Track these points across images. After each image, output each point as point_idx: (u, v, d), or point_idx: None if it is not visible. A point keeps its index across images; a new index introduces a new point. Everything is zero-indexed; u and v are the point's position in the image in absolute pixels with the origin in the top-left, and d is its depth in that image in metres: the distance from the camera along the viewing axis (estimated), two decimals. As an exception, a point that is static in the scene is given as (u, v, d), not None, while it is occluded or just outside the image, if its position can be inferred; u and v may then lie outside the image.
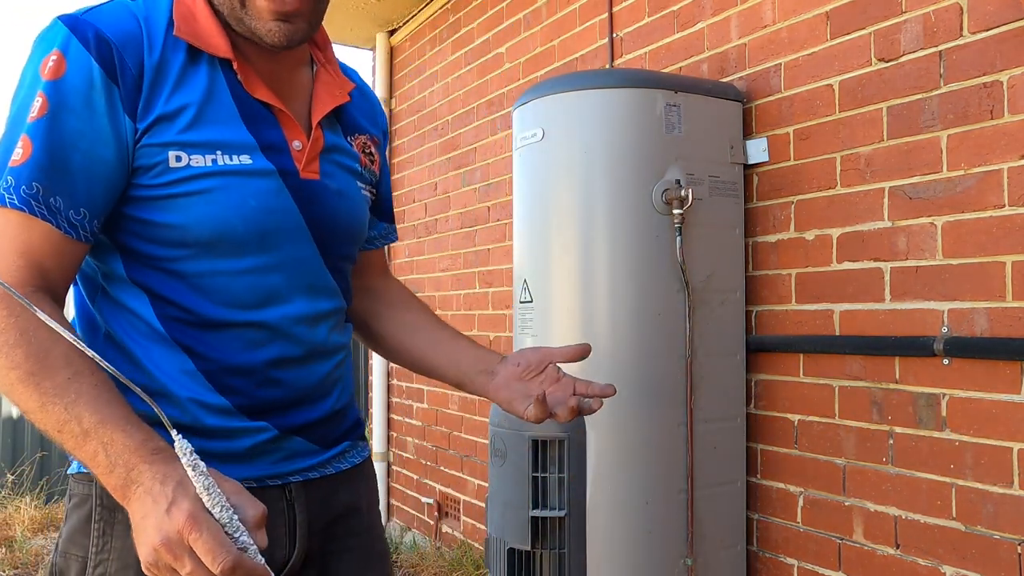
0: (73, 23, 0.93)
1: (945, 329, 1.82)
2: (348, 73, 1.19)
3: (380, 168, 1.23)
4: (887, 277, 1.94)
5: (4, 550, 4.25)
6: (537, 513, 2.02)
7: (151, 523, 0.76)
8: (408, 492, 4.37)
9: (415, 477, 4.29)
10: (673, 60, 2.58)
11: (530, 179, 2.26)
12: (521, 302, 2.26)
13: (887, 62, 1.95)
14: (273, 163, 1.00)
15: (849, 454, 2.03)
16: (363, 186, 1.15)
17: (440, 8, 4.11)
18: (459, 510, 3.83)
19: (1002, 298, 1.71)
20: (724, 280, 2.21)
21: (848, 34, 2.04)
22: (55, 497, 5.40)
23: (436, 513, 4.02)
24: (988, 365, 1.73)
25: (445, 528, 3.96)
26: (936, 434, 1.83)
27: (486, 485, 3.45)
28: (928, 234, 1.86)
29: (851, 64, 2.03)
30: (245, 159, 0.98)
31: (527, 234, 2.27)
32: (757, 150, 2.25)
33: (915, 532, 1.87)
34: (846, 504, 2.03)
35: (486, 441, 3.36)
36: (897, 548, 1.91)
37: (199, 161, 0.95)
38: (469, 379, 1.21)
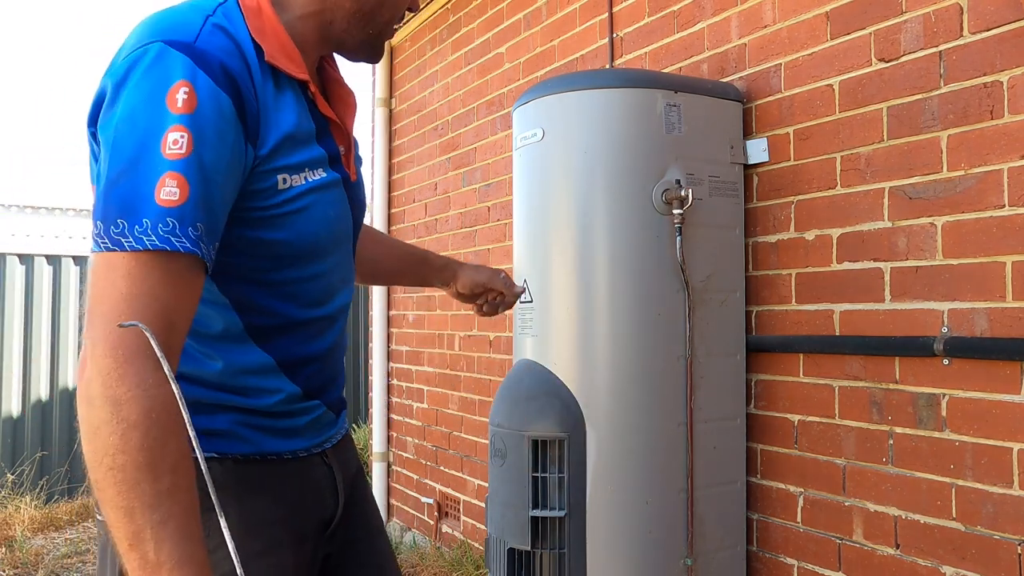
0: (191, 51, 0.89)
1: (945, 329, 1.82)
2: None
3: None
4: (887, 277, 1.94)
5: (4, 550, 4.25)
6: (537, 513, 2.02)
7: None
8: (408, 492, 4.37)
9: (415, 477, 4.29)
10: (673, 60, 2.58)
11: (530, 179, 2.26)
12: (521, 302, 2.26)
13: (887, 62, 1.95)
14: (337, 172, 1.07)
15: (849, 454, 2.03)
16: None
17: (440, 8, 4.11)
18: (459, 510, 3.83)
19: (1002, 298, 1.71)
20: (724, 280, 2.21)
21: (848, 34, 2.04)
22: (55, 497, 5.40)
23: (436, 513, 4.02)
24: (988, 365, 1.73)
25: (445, 528, 3.96)
26: (936, 434, 1.83)
27: (486, 485, 3.45)
28: (928, 234, 1.86)
29: (851, 64, 2.03)
30: (321, 173, 1.04)
31: (527, 234, 2.27)
32: (757, 150, 2.26)
33: (915, 532, 1.87)
34: (846, 504, 2.03)
35: (486, 441, 3.36)
36: (897, 548, 1.92)
37: (297, 181, 1.00)
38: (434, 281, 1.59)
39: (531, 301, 2.22)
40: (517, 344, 2.30)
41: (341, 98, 1.14)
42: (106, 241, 0.84)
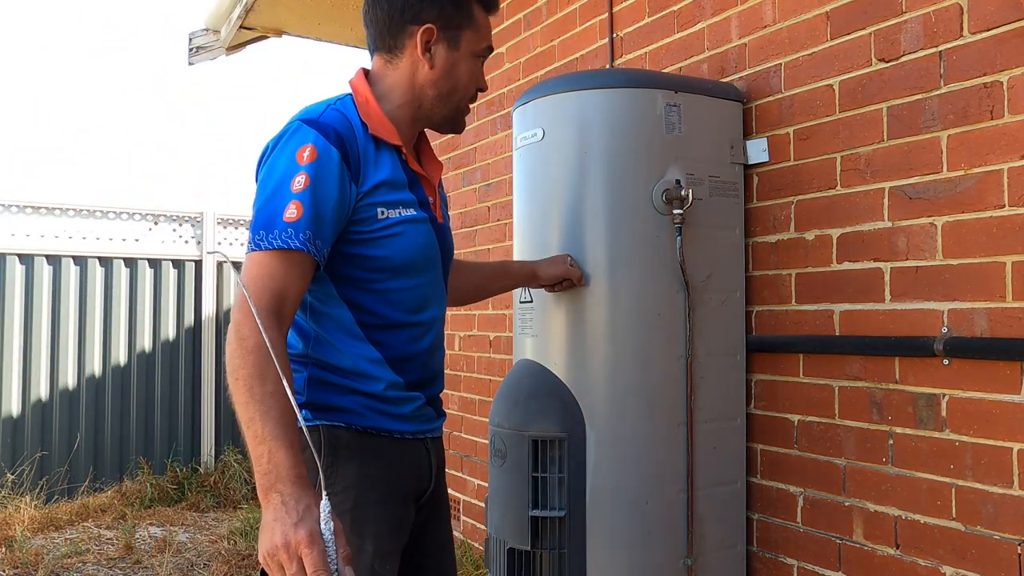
0: (316, 125, 1.35)
1: (945, 329, 1.82)
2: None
3: None
4: (887, 277, 1.94)
5: (4, 550, 4.25)
6: (537, 513, 2.02)
7: (279, 527, 1.09)
8: (408, 492, 4.36)
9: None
10: (673, 60, 2.58)
11: (530, 179, 2.26)
12: (521, 302, 2.26)
13: (887, 62, 1.95)
14: (425, 213, 1.48)
15: (849, 454, 2.03)
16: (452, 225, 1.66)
17: (440, 8, 4.10)
18: (459, 510, 3.83)
19: (1002, 298, 1.71)
20: (724, 280, 2.21)
21: (848, 34, 2.04)
22: (55, 497, 5.40)
23: (436, 513, 4.02)
24: (988, 365, 1.73)
25: (445, 528, 3.96)
26: (936, 434, 1.83)
27: (486, 485, 3.45)
28: (928, 234, 1.86)
29: (851, 64, 2.03)
30: (412, 211, 1.45)
31: (527, 234, 2.27)
32: (757, 150, 2.25)
33: (915, 532, 1.87)
34: (846, 504, 2.03)
35: (486, 441, 3.36)
36: (897, 548, 1.91)
37: (394, 214, 1.42)
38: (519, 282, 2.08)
39: (531, 301, 2.22)
40: (517, 344, 2.30)
41: (431, 162, 1.57)
42: (253, 245, 1.30)
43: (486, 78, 1.71)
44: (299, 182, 1.30)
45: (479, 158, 3.74)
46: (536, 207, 2.24)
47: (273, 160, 1.35)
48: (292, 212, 1.29)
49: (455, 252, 1.72)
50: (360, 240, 1.40)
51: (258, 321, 1.16)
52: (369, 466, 1.42)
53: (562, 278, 2.03)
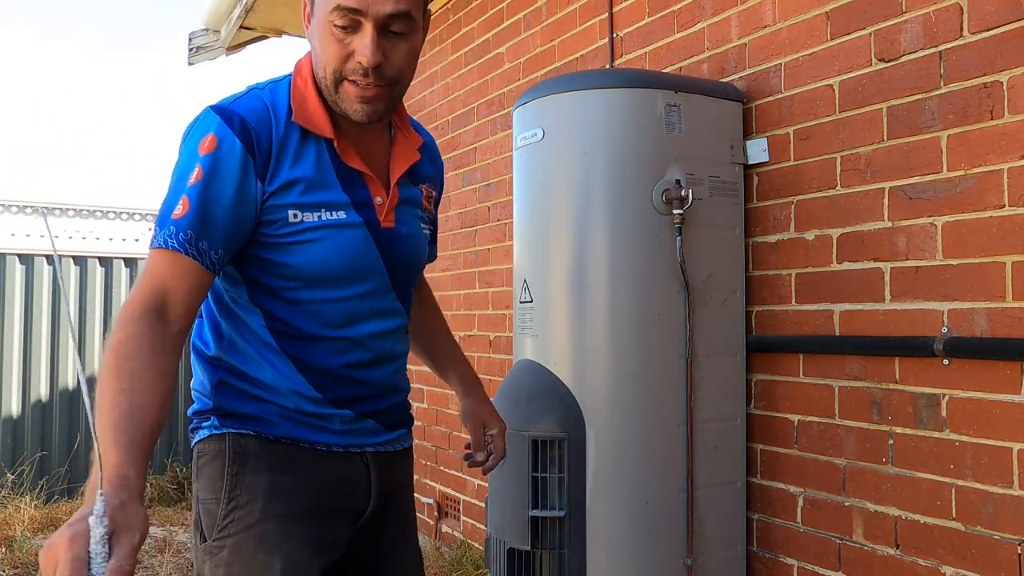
0: (222, 112, 1.21)
1: (945, 329, 1.82)
2: (418, 130, 1.46)
3: (437, 201, 1.51)
4: (887, 277, 1.94)
5: (4, 550, 4.25)
6: (537, 513, 2.02)
7: (60, 530, 0.92)
8: (408, 492, 4.37)
9: (415, 477, 4.29)
10: (673, 60, 2.58)
11: (530, 179, 2.26)
12: (521, 302, 2.26)
13: (887, 62, 1.95)
14: (361, 216, 1.29)
15: (849, 454, 2.03)
16: (424, 225, 1.42)
17: (440, 8, 4.11)
18: (459, 510, 3.83)
19: (1002, 298, 1.71)
20: (724, 280, 2.21)
21: (848, 34, 2.04)
22: (55, 497, 5.40)
23: (436, 513, 4.02)
24: (988, 365, 1.73)
25: (445, 528, 3.96)
26: (936, 434, 1.83)
27: (486, 485, 3.45)
28: (928, 234, 1.86)
29: (851, 64, 2.03)
30: (341, 214, 1.27)
31: (527, 234, 2.27)
32: (757, 150, 2.25)
33: (915, 532, 1.87)
34: (846, 504, 2.03)
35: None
36: (897, 548, 1.92)
37: (309, 217, 1.25)
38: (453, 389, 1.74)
39: (531, 301, 2.22)
40: (517, 344, 2.30)
41: (399, 156, 1.36)
42: (150, 242, 1.21)
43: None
44: (193, 175, 1.18)
45: (479, 158, 3.74)
46: (536, 207, 2.24)
47: (180, 150, 1.25)
48: (179, 209, 1.18)
49: (430, 260, 1.55)
50: (270, 244, 1.25)
51: (130, 318, 1.10)
52: (282, 477, 1.28)
53: (471, 427, 1.67)
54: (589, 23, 3.01)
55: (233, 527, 1.24)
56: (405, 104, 1.42)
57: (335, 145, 1.27)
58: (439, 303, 1.79)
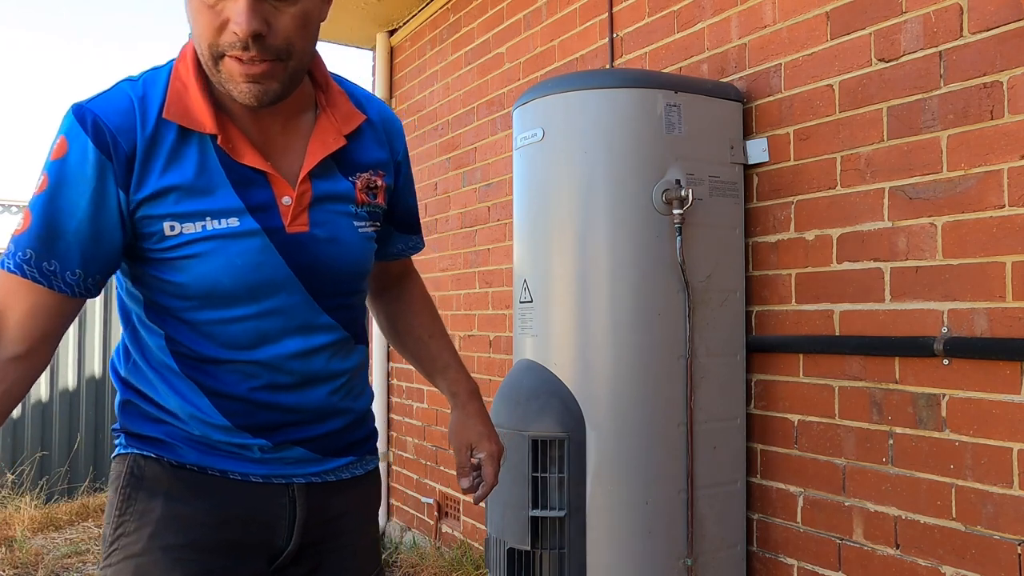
0: (77, 111, 1.05)
1: (945, 329, 1.82)
2: (361, 102, 1.24)
3: (399, 188, 1.31)
4: (887, 277, 1.94)
5: (4, 550, 4.25)
6: (537, 513, 2.02)
7: None
8: (408, 492, 4.37)
9: (415, 477, 4.29)
10: (673, 60, 2.58)
11: (530, 179, 2.26)
12: (521, 302, 2.26)
13: (887, 62, 1.95)
14: (260, 223, 1.10)
15: (849, 454, 2.03)
16: (361, 224, 1.21)
17: (440, 8, 4.11)
18: (459, 510, 3.83)
19: (1002, 298, 1.71)
20: (724, 280, 2.21)
21: (848, 34, 2.04)
22: (55, 497, 5.40)
23: (436, 513, 4.02)
24: (988, 365, 1.73)
25: (445, 528, 3.96)
26: (936, 434, 1.83)
27: (486, 485, 3.44)
28: (928, 234, 1.86)
29: (851, 64, 2.03)
30: (233, 222, 1.09)
31: (527, 234, 2.27)
32: (757, 150, 2.25)
33: (915, 532, 1.87)
34: (846, 504, 2.03)
35: (486, 441, 3.35)
36: (897, 548, 1.91)
37: (190, 228, 1.08)
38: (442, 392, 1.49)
39: (531, 301, 2.21)
40: (517, 344, 2.30)
41: (314, 141, 1.15)
42: None
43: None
44: (39, 185, 1.04)
45: (479, 158, 3.74)
46: (536, 207, 2.24)
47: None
48: (21, 224, 1.04)
49: (413, 251, 1.42)
50: (153, 260, 1.10)
51: None
52: (180, 506, 1.13)
53: (457, 448, 1.42)
54: (589, 23, 3.01)
55: (115, 555, 1.12)
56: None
57: (219, 141, 1.08)
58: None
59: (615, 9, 2.86)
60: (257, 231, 1.10)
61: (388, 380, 4.62)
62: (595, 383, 2.09)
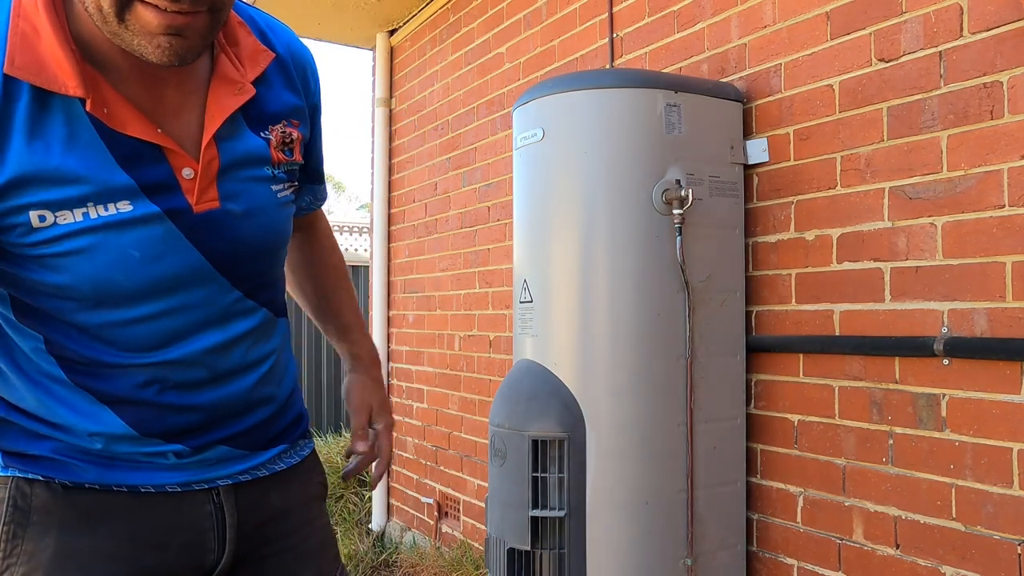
0: None
1: (945, 329, 1.82)
2: (266, 36, 1.02)
3: (313, 137, 1.11)
4: (887, 277, 1.94)
5: (4, 550, 4.25)
6: (537, 513, 2.02)
7: None
8: (408, 492, 4.37)
9: (415, 477, 4.29)
10: (673, 60, 2.58)
11: (530, 179, 2.26)
12: (521, 302, 2.26)
13: (887, 62, 1.95)
14: (159, 205, 0.89)
15: (849, 454, 2.03)
16: (279, 187, 1.02)
17: (440, 8, 4.11)
18: (459, 510, 3.84)
19: (1002, 298, 1.71)
20: (724, 280, 2.21)
21: (848, 34, 2.04)
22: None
23: (436, 513, 4.02)
24: (988, 365, 1.73)
25: (445, 528, 3.96)
26: (936, 434, 1.83)
27: (486, 485, 3.45)
28: (928, 234, 1.86)
29: (851, 64, 2.03)
30: (124, 206, 0.87)
31: (527, 234, 2.27)
32: (757, 150, 2.25)
33: (915, 532, 1.87)
34: (846, 504, 2.03)
35: (486, 441, 3.36)
36: (897, 548, 1.91)
37: (67, 218, 0.85)
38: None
39: (531, 301, 2.22)
40: (517, 344, 2.30)
41: (214, 97, 0.93)
42: None
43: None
44: None
45: (479, 158, 3.74)
46: (536, 207, 2.24)
47: None
48: None
49: (319, 203, 1.22)
50: (17, 257, 0.87)
51: None
52: (78, 539, 0.93)
53: (356, 425, 1.27)
54: (589, 23, 3.01)
55: None
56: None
57: (87, 107, 0.83)
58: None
59: (615, 9, 2.86)
60: (157, 215, 0.89)
61: (388, 380, 4.62)
62: (595, 383, 2.09)
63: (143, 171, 0.88)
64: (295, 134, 1.02)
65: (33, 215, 0.84)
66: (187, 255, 0.92)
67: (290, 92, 1.03)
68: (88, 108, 0.83)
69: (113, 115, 0.85)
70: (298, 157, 1.04)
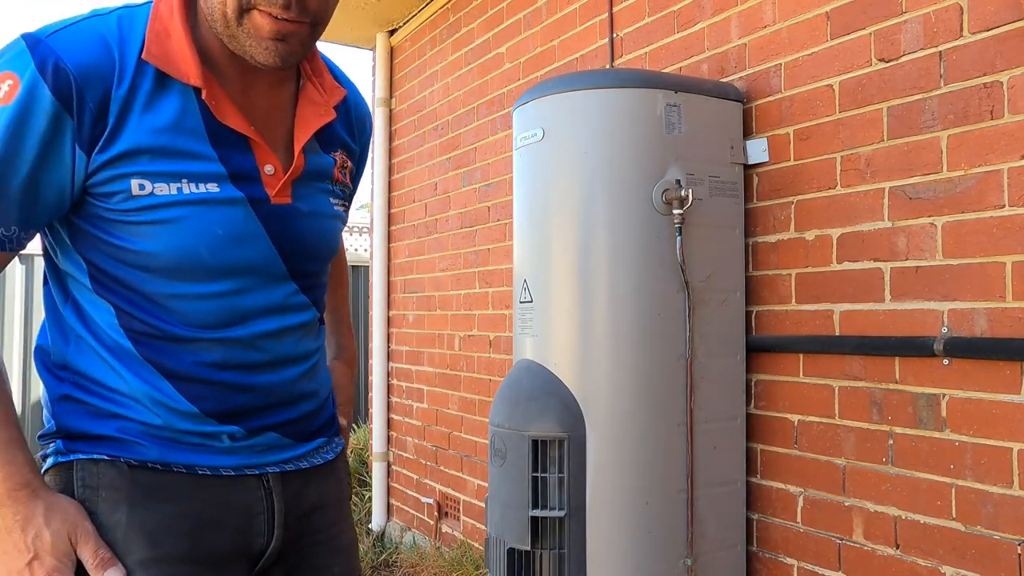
0: (35, 46, 0.91)
1: (945, 329, 1.82)
2: (340, 80, 1.18)
3: (354, 177, 1.24)
4: (887, 277, 1.94)
5: None
6: (537, 513, 2.02)
7: (12, 568, 0.88)
8: (408, 492, 4.37)
9: (415, 477, 4.29)
10: (673, 60, 2.58)
11: (530, 179, 2.26)
12: (521, 302, 2.26)
13: (887, 62, 1.95)
14: (243, 191, 1.01)
15: (849, 454, 2.03)
16: (336, 202, 1.16)
17: (440, 8, 4.11)
18: (459, 510, 3.84)
19: (1002, 298, 1.71)
20: (724, 280, 2.21)
21: (848, 34, 2.04)
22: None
23: (436, 513, 4.02)
24: (988, 365, 1.73)
25: (445, 528, 3.96)
26: (936, 434, 1.83)
27: (486, 485, 3.45)
28: (928, 234, 1.86)
29: (851, 64, 2.03)
30: (212, 187, 0.99)
31: (527, 234, 2.27)
32: (757, 150, 2.26)
33: (915, 532, 1.87)
34: (846, 504, 2.03)
35: (486, 441, 3.36)
36: (897, 548, 1.92)
37: (163, 190, 0.96)
38: None
39: (531, 301, 2.22)
40: (517, 344, 2.30)
41: (304, 111, 1.08)
42: None
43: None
44: None
45: (479, 158, 3.74)
46: (536, 207, 2.24)
47: None
48: None
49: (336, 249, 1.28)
50: (110, 221, 0.97)
51: None
52: (146, 514, 1.00)
53: None
54: (589, 23, 3.01)
55: None
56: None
57: (204, 95, 0.98)
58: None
59: (615, 9, 2.86)
60: (240, 199, 1.01)
61: (388, 380, 4.62)
62: (595, 383, 2.09)
63: (233, 160, 1.01)
64: (349, 163, 1.19)
65: (134, 183, 0.95)
66: (261, 240, 1.04)
67: (347, 133, 1.19)
68: (203, 96, 0.97)
69: (219, 107, 0.99)
70: (349, 182, 1.20)
